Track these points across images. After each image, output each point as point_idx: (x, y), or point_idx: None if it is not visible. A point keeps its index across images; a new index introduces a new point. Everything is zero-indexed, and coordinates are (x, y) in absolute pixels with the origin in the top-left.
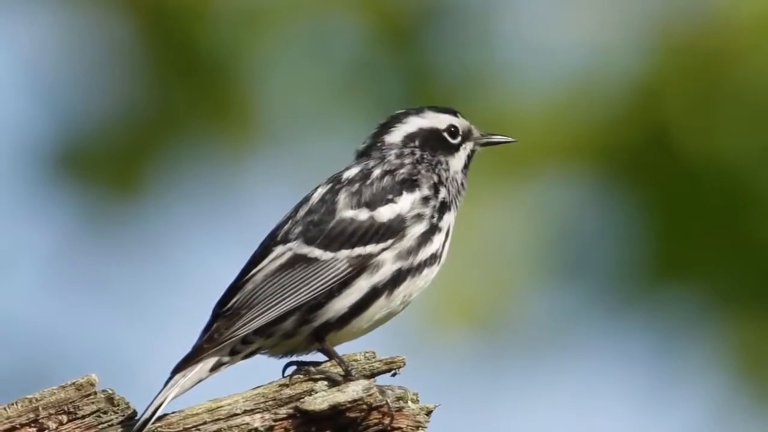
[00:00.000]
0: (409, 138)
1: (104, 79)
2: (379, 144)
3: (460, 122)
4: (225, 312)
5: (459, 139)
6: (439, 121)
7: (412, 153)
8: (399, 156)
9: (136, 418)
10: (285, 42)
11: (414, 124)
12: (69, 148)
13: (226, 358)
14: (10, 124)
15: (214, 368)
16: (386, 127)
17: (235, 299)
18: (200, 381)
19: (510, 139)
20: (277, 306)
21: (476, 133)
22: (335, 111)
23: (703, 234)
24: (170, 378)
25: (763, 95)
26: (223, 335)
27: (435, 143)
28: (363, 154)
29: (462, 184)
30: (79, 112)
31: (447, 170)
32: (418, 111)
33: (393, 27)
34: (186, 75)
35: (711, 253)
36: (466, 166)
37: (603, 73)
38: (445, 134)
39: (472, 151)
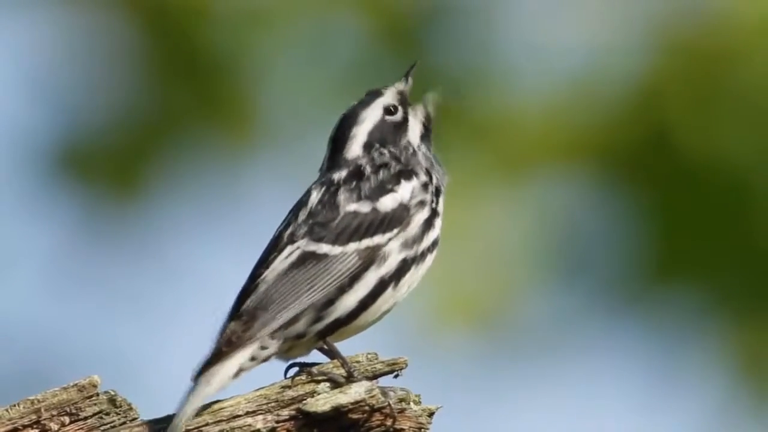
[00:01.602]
0: (368, 146)
1: (105, 80)
2: (342, 162)
3: (388, 97)
4: (239, 315)
5: (400, 110)
6: (376, 110)
7: (381, 154)
8: (372, 161)
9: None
10: (286, 42)
11: (362, 131)
12: (70, 148)
13: (246, 364)
14: (11, 124)
15: (236, 375)
16: (339, 146)
17: (248, 302)
18: (222, 389)
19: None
20: (293, 304)
21: (403, 87)
22: (337, 112)
23: (704, 235)
24: (194, 385)
25: (764, 96)
26: (241, 338)
27: (388, 133)
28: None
29: (428, 155)
30: (80, 112)
31: (414, 150)
32: (354, 118)
33: (394, 28)
34: (187, 75)
35: (712, 254)
36: (425, 135)
37: (604, 74)
38: (388, 118)
39: (426, 117)
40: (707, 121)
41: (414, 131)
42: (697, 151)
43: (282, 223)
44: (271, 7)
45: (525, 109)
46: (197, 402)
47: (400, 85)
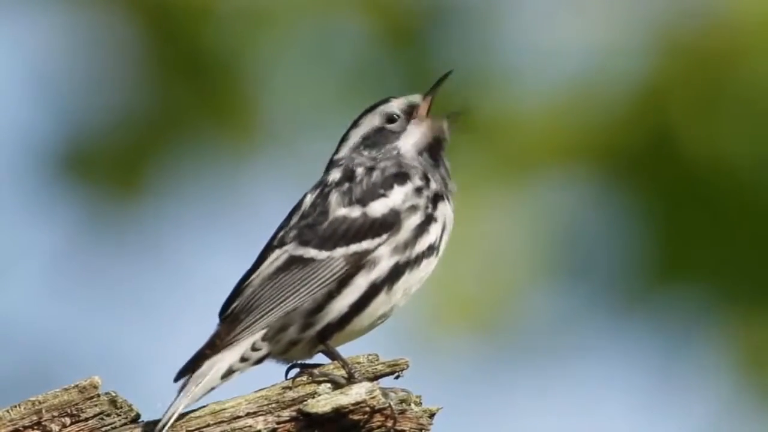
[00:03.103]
0: (355, 149)
1: (107, 80)
2: (331, 163)
3: (394, 105)
4: (226, 317)
5: (402, 120)
6: (375, 116)
7: (360, 155)
8: (352, 160)
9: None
10: (288, 43)
11: (356, 135)
12: (72, 148)
13: (237, 365)
14: (14, 125)
15: (225, 375)
16: (336, 149)
17: (234, 304)
18: (212, 389)
19: (443, 75)
20: (276, 308)
21: (417, 99)
22: (338, 112)
23: (706, 236)
24: (182, 387)
25: (766, 97)
26: (224, 340)
27: (379, 139)
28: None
29: (425, 162)
30: (82, 112)
31: (400, 153)
32: (355, 123)
33: (396, 28)
34: (189, 76)
35: (714, 255)
36: (430, 146)
37: (606, 75)
38: (386, 126)
39: (436, 131)
40: (710, 123)
41: (408, 139)
42: (700, 153)
43: (278, 226)
44: (273, 7)
45: (527, 111)
46: (185, 401)
47: (414, 97)
